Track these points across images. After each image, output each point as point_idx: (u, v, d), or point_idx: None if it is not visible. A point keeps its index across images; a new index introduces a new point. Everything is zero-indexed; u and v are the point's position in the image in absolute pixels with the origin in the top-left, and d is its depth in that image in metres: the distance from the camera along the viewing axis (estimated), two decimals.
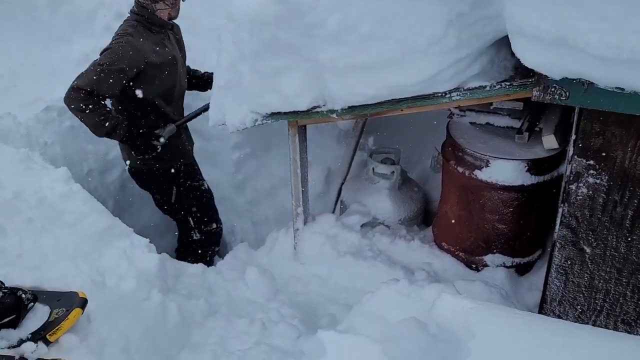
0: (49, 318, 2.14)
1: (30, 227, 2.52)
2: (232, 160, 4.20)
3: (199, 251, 3.78)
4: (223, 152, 4.01)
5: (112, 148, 3.85)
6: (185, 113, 3.54)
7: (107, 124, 3.10)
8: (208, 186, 3.77)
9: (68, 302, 2.17)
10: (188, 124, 3.56)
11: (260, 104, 2.70)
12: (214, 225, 3.79)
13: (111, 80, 3.03)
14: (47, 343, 2.07)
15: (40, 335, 2.07)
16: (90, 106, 3.03)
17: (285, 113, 2.71)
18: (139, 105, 3.27)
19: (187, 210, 3.65)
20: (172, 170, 3.49)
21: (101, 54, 3.12)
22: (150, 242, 2.81)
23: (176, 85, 3.38)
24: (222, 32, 2.68)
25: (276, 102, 2.66)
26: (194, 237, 3.75)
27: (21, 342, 2.07)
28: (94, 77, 3.01)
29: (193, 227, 3.72)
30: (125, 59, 3.05)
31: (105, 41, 3.41)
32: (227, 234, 4.43)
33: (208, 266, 3.33)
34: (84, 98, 3.01)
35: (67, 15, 3.91)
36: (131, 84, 3.14)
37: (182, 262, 3.19)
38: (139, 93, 3.19)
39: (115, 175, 3.94)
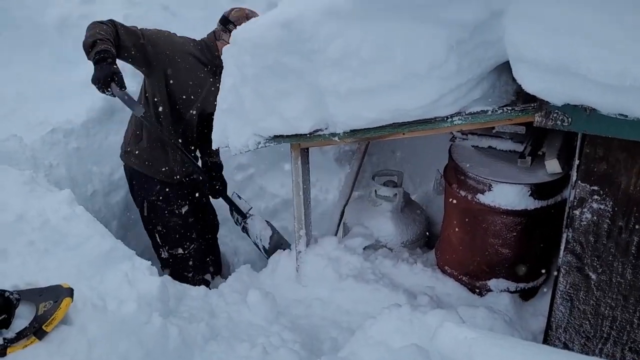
0: (37, 312, 2.14)
1: (32, 250, 2.52)
2: (235, 182, 4.22)
3: (184, 273, 3.74)
4: (226, 173, 4.02)
5: (116, 169, 3.87)
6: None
7: (98, 41, 2.93)
8: (192, 211, 3.71)
9: (54, 294, 2.18)
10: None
11: (263, 127, 2.71)
12: (179, 251, 3.69)
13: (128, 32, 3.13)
14: (44, 334, 2.08)
15: (35, 328, 2.07)
16: (100, 26, 3.03)
17: (287, 136, 2.71)
18: (151, 100, 3.35)
19: (154, 227, 3.65)
20: (148, 184, 3.51)
21: None
22: (152, 264, 2.81)
23: (190, 105, 3.41)
24: (224, 56, 2.71)
25: (278, 125, 2.67)
26: (162, 256, 3.74)
27: (19, 336, 2.06)
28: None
29: (160, 244, 3.70)
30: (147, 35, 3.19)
31: None
32: (230, 255, 4.44)
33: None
34: (99, 24, 3.06)
35: (75, 39, 3.96)
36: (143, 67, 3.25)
37: (185, 285, 3.18)
38: (148, 82, 3.29)
39: (120, 196, 3.95)
